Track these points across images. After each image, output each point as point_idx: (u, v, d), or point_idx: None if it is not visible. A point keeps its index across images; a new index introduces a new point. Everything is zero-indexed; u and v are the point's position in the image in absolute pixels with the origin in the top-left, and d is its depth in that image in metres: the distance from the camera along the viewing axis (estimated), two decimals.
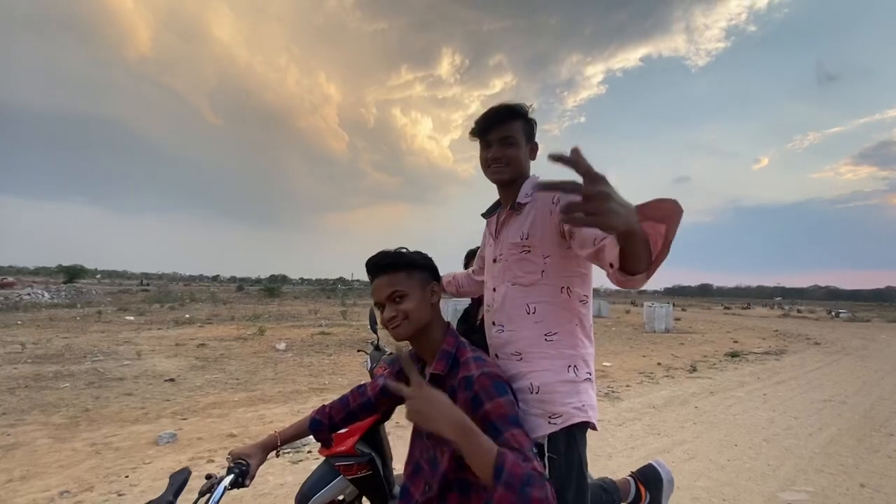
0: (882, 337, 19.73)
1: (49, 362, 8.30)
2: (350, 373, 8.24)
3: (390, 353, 2.67)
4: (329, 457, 2.52)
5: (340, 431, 2.54)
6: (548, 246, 1.23)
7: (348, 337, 12.92)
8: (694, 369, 9.28)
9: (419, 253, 1.23)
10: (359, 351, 3.56)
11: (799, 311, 48.95)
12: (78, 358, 8.78)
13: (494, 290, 1.33)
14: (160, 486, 3.38)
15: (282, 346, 10.87)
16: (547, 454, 1.15)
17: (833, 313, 41.73)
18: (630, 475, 1.62)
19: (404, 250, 1.22)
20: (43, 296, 28.07)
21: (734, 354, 11.73)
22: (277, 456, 1.31)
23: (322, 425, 1.37)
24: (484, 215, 1.49)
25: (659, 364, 10.04)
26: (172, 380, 7.23)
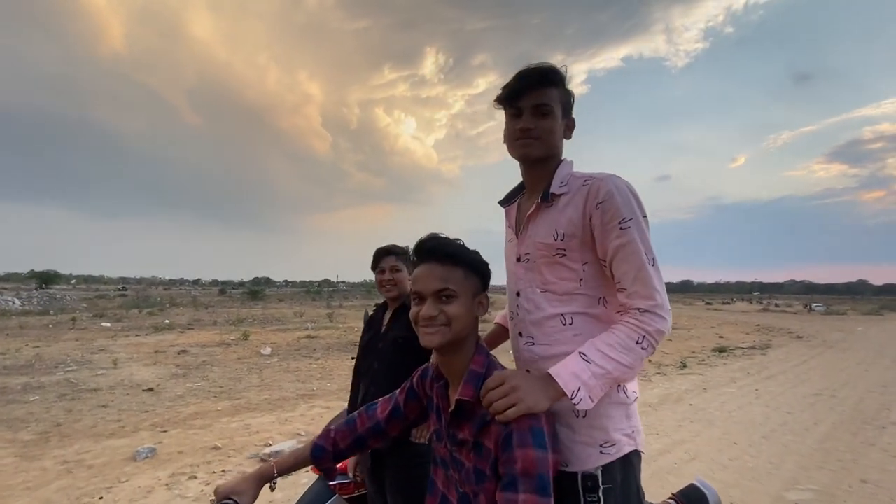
0: (859, 329, 20.23)
1: (18, 373, 7.87)
2: (339, 377, 8.01)
3: None
4: None
5: None
6: (587, 252, 1.06)
7: (336, 340, 12.65)
8: (684, 366, 9.30)
9: (478, 254, 1.07)
10: (352, 358, 3.37)
11: (777, 305, 50.09)
12: (49, 368, 8.36)
13: (518, 294, 1.15)
14: None
15: (267, 350, 10.56)
16: (602, 486, 1.00)
17: (808, 307, 42.80)
18: (671, 497, 1.47)
19: (461, 243, 1.06)
20: (13, 303, 26.98)
21: (721, 350, 11.83)
22: (272, 490, 1.12)
23: (326, 453, 1.17)
24: (502, 203, 1.28)
25: (649, 361, 10.05)
26: (151, 389, 6.91)
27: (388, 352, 1.99)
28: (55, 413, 5.64)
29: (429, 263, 1.01)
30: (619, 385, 1.05)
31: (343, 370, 8.65)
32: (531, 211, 1.12)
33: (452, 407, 1.00)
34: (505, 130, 1.16)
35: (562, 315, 1.07)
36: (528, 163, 1.16)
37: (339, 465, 2.28)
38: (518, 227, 1.19)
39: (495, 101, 1.16)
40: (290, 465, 1.14)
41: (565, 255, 1.06)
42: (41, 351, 10.19)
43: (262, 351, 10.54)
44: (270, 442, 4.65)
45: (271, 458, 4.20)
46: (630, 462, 1.04)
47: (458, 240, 1.06)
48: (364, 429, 1.18)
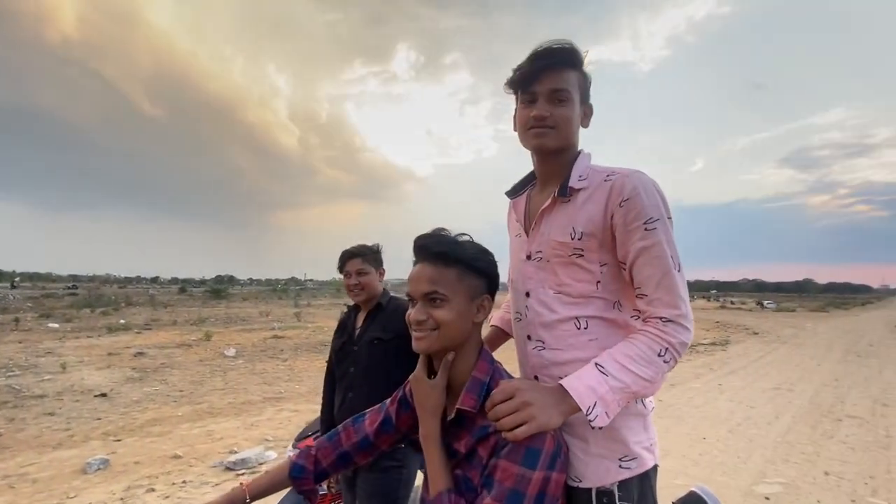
0: (808, 325, 21.42)
1: None
2: (308, 379, 7.77)
3: None
4: None
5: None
6: (606, 253, 0.98)
7: (304, 340, 12.31)
8: None
9: (483, 251, 0.97)
10: (326, 362, 3.21)
11: (732, 302, 52.57)
12: None
13: (528, 294, 1.05)
14: None
15: (231, 352, 10.15)
16: (618, 503, 0.93)
17: (761, 304, 45.09)
18: None
19: (467, 238, 0.97)
20: None
21: None
22: None
23: (306, 472, 1.05)
24: (509, 194, 1.19)
25: None
26: (104, 395, 6.49)
27: (364, 355, 1.92)
28: None
29: (421, 263, 0.94)
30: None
31: (313, 371, 8.41)
32: (546, 206, 1.03)
33: (452, 416, 0.92)
34: (516, 118, 1.07)
35: (576, 318, 0.98)
36: (540, 153, 1.06)
37: None
38: (527, 222, 1.10)
39: (506, 84, 1.06)
40: (264, 488, 1.02)
41: (582, 256, 0.98)
42: None
43: (225, 352, 10.13)
44: (236, 449, 4.42)
45: (238, 468, 3.91)
46: (648, 476, 0.97)
47: (463, 234, 0.98)
48: (350, 444, 1.07)
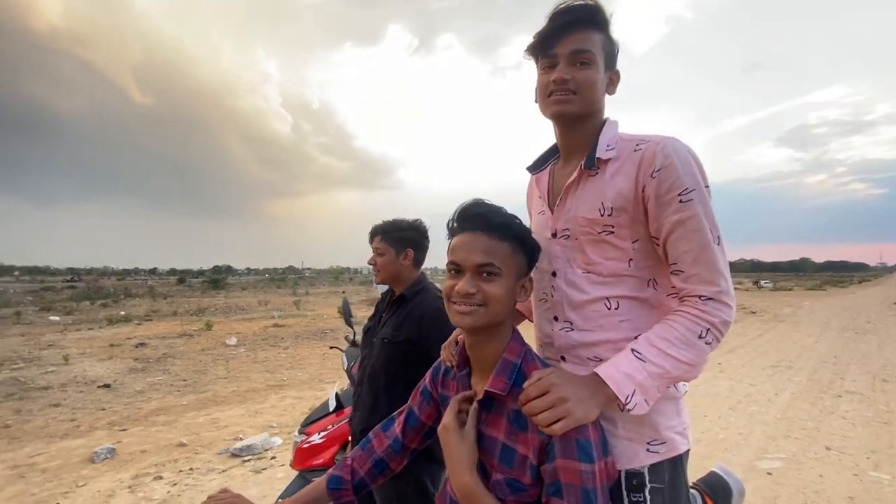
0: (806, 304, 21.54)
1: None
2: (311, 366, 7.80)
3: None
4: (304, 471, 2.21)
5: (315, 441, 2.23)
6: (639, 227, 0.90)
7: (304, 328, 12.36)
8: None
9: (529, 230, 0.92)
10: (331, 348, 3.21)
11: None
12: None
13: (554, 274, 0.99)
14: None
15: (232, 341, 10.19)
16: (649, 485, 0.89)
17: (758, 284, 45.39)
18: (693, 486, 1.41)
19: (517, 219, 0.91)
20: None
21: None
22: None
23: (344, 483, 0.99)
24: (530, 169, 1.11)
25: None
26: (108, 385, 6.52)
27: (374, 353, 1.72)
28: (2, 414, 5.23)
29: (473, 232, 0.86)
30: None
31: (314, 359, 8.44)
32: (572, 179, 0.96)
33: (480, 396, 0.88)
34: (536, 85, 0.99)
35: (607, 299, 0.92)
36: (563, 122, 0.98)
37: (321, 461, 2.15)
38: (551, 198, 1.04)
39: (526, 51, 0.99)
40: None
41: (613, 233, 0.91)
42: None
43: (227, 341, 10.16)
44: (241, 436, 4.45)
45: (243, 455, 3.93)
46: (680, 460, 0.94)
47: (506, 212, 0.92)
48: (383, 449, 1.02)
